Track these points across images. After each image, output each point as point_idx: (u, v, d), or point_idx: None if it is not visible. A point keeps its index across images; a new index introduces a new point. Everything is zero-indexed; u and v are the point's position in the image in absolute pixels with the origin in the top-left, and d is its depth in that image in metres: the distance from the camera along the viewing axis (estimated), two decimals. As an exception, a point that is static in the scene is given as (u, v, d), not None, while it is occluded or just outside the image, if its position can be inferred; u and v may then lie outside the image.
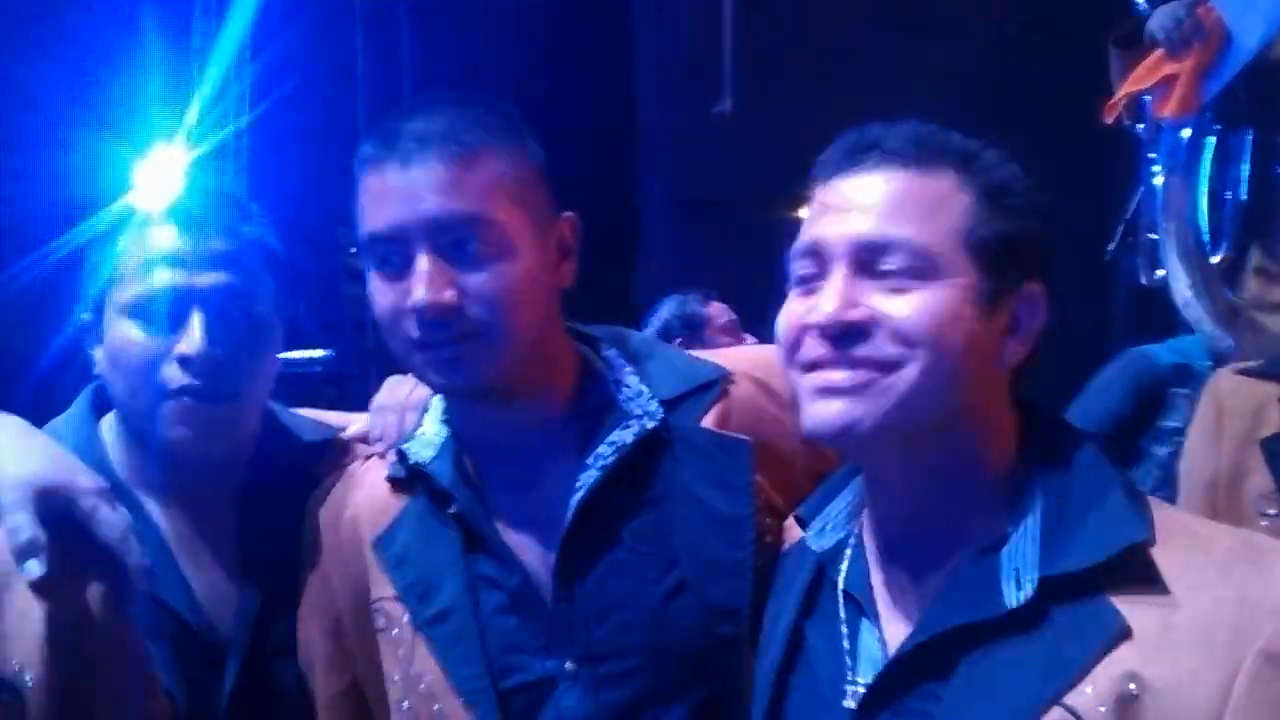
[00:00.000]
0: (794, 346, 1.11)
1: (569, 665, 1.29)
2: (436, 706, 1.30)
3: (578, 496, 1.31)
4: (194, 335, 1.39)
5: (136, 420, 1.45)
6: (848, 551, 1.18)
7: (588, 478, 1.32)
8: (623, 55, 6.02)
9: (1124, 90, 3.04)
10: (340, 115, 4.86)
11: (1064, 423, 1.19)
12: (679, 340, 3.38)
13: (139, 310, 1.42)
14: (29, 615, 1.10)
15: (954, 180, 1.10)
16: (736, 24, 5.77)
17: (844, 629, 1.15)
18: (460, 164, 1.26)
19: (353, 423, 1.57)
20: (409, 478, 1.39)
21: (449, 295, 1.25)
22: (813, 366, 1.09)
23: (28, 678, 1.07)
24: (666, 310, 3.66)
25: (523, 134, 1.36)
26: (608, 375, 1.39)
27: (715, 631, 1.30)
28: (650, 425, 1.34)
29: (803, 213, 1.18)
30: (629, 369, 1.40)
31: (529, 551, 1.33)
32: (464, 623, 1.31)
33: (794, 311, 1.12)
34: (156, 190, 3.95)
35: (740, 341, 3.49)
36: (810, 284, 1.11)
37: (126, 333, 1.41)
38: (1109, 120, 3.12)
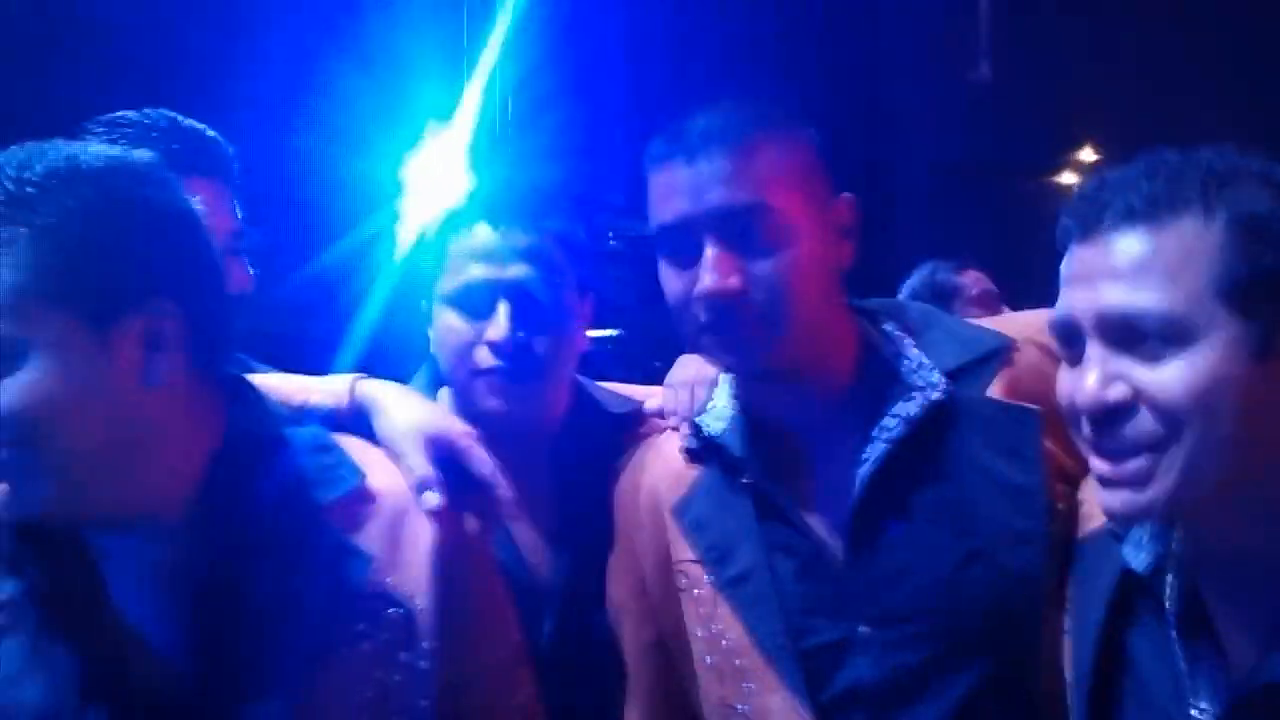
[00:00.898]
0: (1074, 423, 1.10)
1: (862, 629, 1.34)
2: (739, 662, 1.37)
3: (866, 469, 1.36)
4: (500, 323, 1.57)
5: (459, 393, 1.64)
6: (1169, 572, 1.14)
7: (874, 450, 1.36)
8: (878, 24, 5.95)
9: None
10: (607, 102, 5.05)
11: None
12: None
13: (456, 300, 1.61)
14: (418, 546, 1.25)
15: (1198, 222, 1.02)
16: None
17: (1178, 649, 1.11)
18: (741, 156, 1.34)
19: (650, 397, 1.68)
20: (702, 449, 1.47)
21: (735, 282, 1.32)
22: (1093, 449, 1.08)
23: (417, 600, 1.22)
24: (916, 279, 3.52)
25: (799, 122, 1.42)
26: (888, 349, 1.43)
27: (1008, 600, 1.31)
28: (935, 397, 1.37)
29: (1063, 178, 1.17)
30: (909, 341, 1.44)
31: (820, 520, 1.39)
32: (762, 585, 1.38)
33: (1063, 388, 1.10)
34: (446, 179, 4.26)
35: (997, 313, 3.36)
36: (1074, 356, 1.09)
37: (447, 320, 1.61)
38: None
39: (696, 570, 1.43)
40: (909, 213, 5.63)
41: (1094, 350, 1.04)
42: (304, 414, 1.32)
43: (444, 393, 1.69)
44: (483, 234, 1.62)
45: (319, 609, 1.15)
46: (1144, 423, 1.02)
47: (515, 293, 1.59)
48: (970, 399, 1.38)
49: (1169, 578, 1.14)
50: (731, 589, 1.39)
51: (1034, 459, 1.33)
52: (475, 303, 1.59)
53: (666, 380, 1.63)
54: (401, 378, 1.61)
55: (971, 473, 1.35)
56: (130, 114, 1.70)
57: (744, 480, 1.42)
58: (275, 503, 1.16)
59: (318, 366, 1.55)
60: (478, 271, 1.60)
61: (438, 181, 4.24)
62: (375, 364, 1.58)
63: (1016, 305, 2.92)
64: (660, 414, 1.61)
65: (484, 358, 1.58)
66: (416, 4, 4.55)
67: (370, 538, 1.21)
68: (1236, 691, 1.06)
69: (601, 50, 5.38)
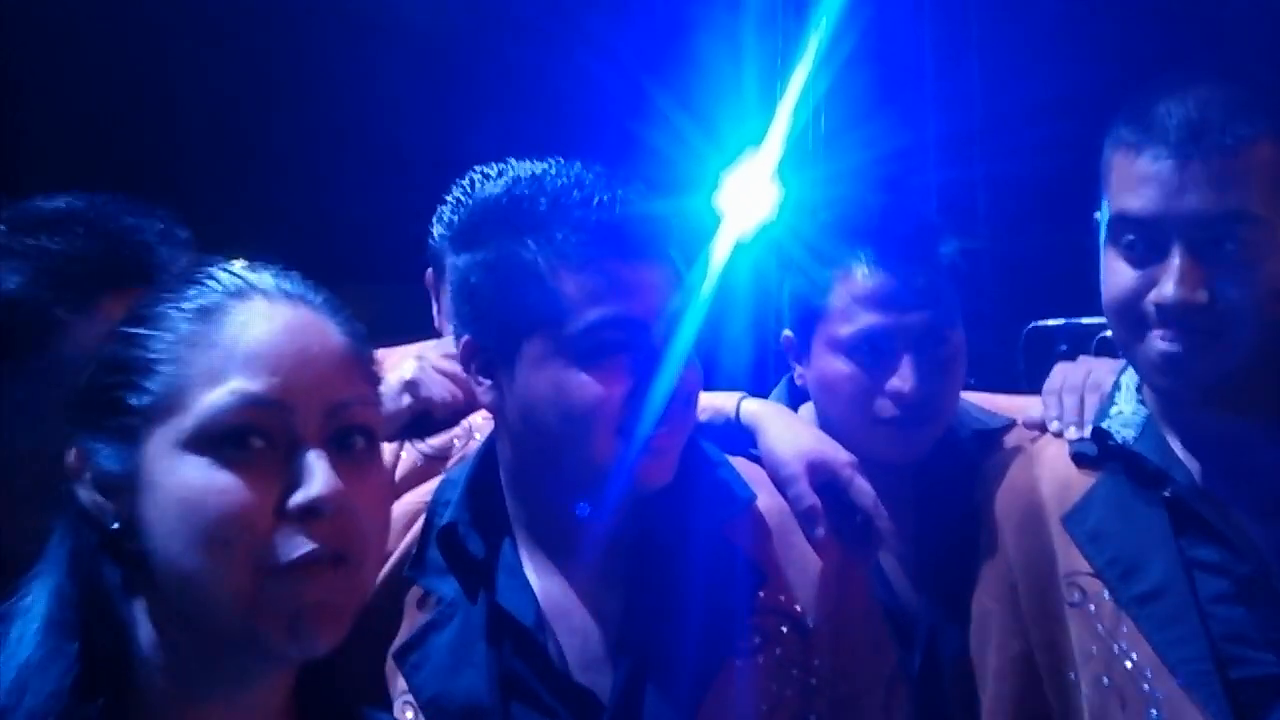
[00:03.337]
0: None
1: None
2: (1147, 687, 1.31)
3: None
4: (905, 374, 1.55)
5: (849, 437, 1.58)
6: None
7: None
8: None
9: None
10: (912, 115, 4.98)
11: None
12: None
13: (853, 348, 1.59)
14: (806, 567, 1.29)
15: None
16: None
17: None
18: (1230, 158, 1.24)
19: (1025, 408, 1.64)
20: (1102, 456, 1.41)
21: (1201, 295, 1.25)
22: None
23: (809, 621, 1.25)
24: None
25: None
26: None
27: None
28: None
29: None
30: None
31: (1255, 538, 1.32)
32: (1181, 604, 1.30)
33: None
34: (761, 201, 4.32)
35: None
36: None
37: (839, 367, 1.60)
38: None
39: (1093, 583, 1.37)
40: None
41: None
42: (696, 426, 1.39)
43: (806, 409, 1.71)
44: (878, 278, 1.58)
45: (719, 618, 1.21)
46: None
47: (919, 341, 1.56)
48: None
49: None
50: (1139, 607, 1.32)
51: None
52: (876, 352, 1.57)
53: (1046, 388, 1.58)
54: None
55: None
56: None
57: (1164, 493, 1.34)
58: (677, 509, 1.24)
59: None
60: (876, 320, 1.57)
61: (753, 203, 4.31)
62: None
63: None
64: (1041, 425, 1.56)
65: (885, 407, 1.57)
66: (731, 26, 4.64)
67: (761, 555, 1.26)
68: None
69: (912, 61, 5.30)
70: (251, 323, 0.91)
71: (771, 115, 4.78)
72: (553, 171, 1.27)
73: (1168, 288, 1.26)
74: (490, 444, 1.32)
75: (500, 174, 1.31)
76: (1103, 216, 1.33)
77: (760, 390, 1.76)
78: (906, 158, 4.95)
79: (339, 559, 0.89)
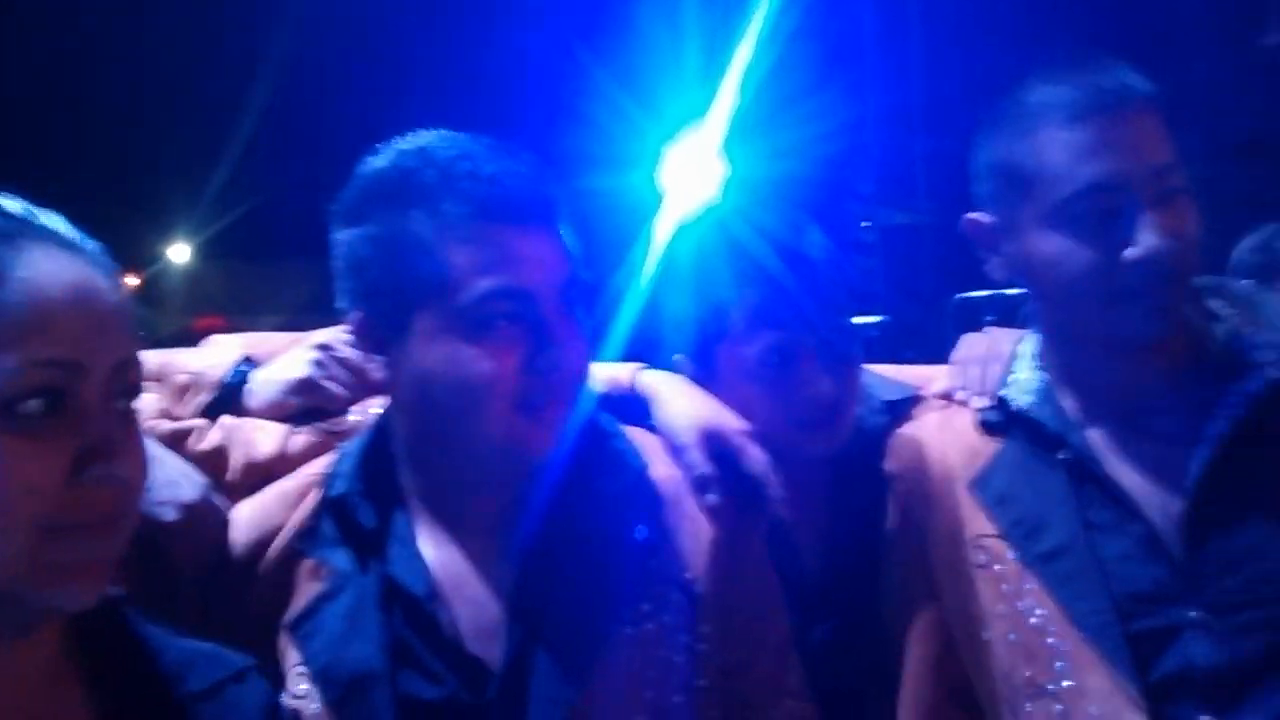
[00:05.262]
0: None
1: (1195, 614, 1.27)
2: (1050, 640, 1.33)
3: (1207, 450, 1.29)
4: (822, 383, 1.50)
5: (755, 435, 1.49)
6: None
7: (1216, 429, 1.29)
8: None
9: None
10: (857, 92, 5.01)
11: None
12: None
13: (756, 368, 1.51)
14: (697, 535, 1.28)
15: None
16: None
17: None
18: (1151, 113, 1.31)
19: (931, 379, 1.64)
20: (1005, 423, 1.43)
21: (1176, 241, 1.27)
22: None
23: (697, 586, 1.25)
24: (1251, 244, 3.16)
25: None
26: (1220, 325, 1.37)
27: None
28: (1276, 375, 1.29)
29: None
30: (1240, 317, 1.38)
31: (1149, 499, 1.33)
32: (1081, 561, 1.33)
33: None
34: (702, 176, 4.33)
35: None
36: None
37: (746, 388, 1.51)
38: None
39: (998, 545, 1.38)
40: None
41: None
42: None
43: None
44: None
45: (611, 588, 1.22)
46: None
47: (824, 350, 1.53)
48: None
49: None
50: (1043, 565, 1.34)
51: None
52: (783, 363, 1.54)
53: (953, 358, 1.59)
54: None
55: None
56: None
57: (1060, 455, 1.38)
58: (569, 480, 1.24)
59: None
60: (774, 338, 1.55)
61: (694, 177, 4.31)
62: (639, 357, 1.61)
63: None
64: (948, 395, 1.57)
65: (803, 411, 1.53)
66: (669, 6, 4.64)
67: (653, 524, 1.26)
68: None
69: (853, 38, 5.33)
70: (37, 275, 0.86)
71: (714, 90, 4.79)
72: (440, 142, 1.24)
73: (1148, 240, 1.27)
74: (387, 416, 1.31)
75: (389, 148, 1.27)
76: (1024, 208, 1.33)
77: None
78: (849, 134, 4.98)
79: (112, 520, 0.91)
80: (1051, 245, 1.32)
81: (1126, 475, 1.35)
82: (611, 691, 1.20)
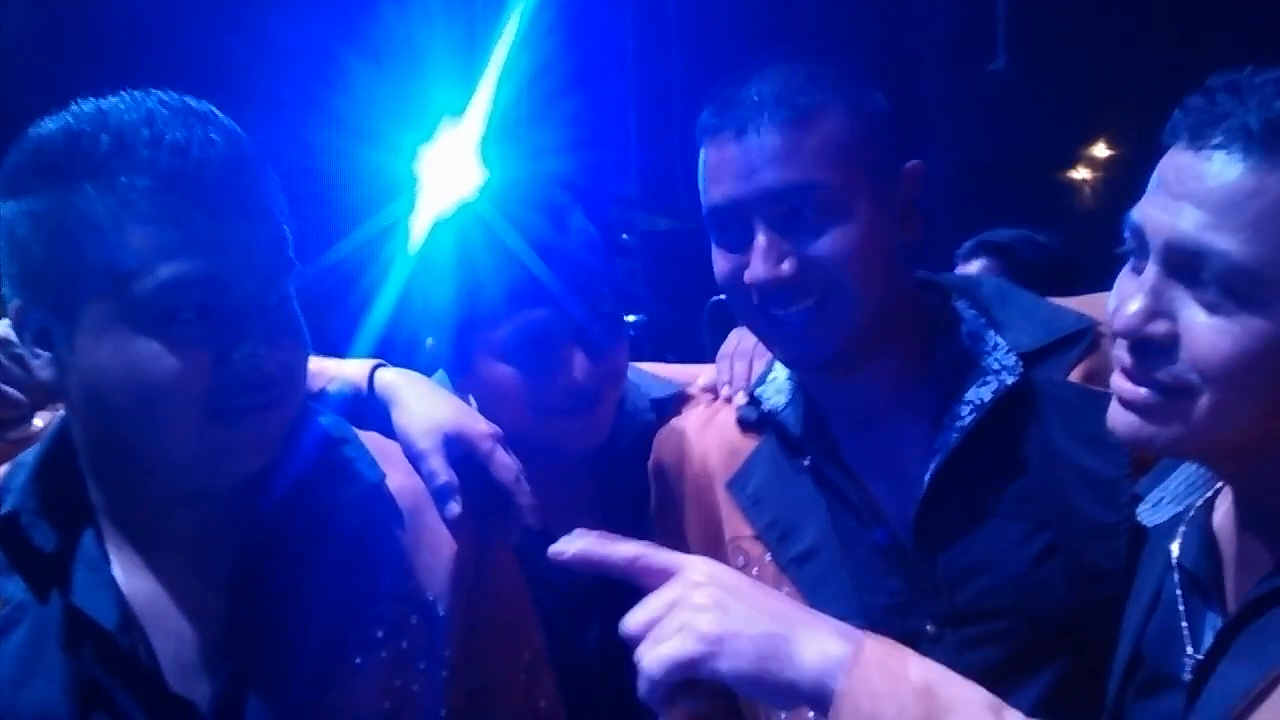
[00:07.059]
0: (1115, 335, 1.02)
1: (930, 628, 1.27)
2: None
3: (936, 461, 1.28)
4: (579, 369, 1.42)
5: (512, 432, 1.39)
6: (1182, 528, 1.09)
7: (945, 440, 1.28)
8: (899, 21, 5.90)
9: None
10: (619, 95, 5.01)
11: None
12: None
13: (511, 352, 1.43)
14: (439, 550, 1.17)
15: None
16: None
17: (1180, 606, 1.06)
18: (795, 129, 1.24)
19: (698, 375, 1.60)
20: (760, 421, 1.40)
21: (786, 268, 1.24)
22: (1120, 363, 1.01)
23: (440, 608, 1.15)
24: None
25: (861, 84, 1.30)
26: (961, 329, 1.35)
27: (1088, 595, 1.24)
28: (1010, 381, 1.28)
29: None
30: (983, 321, 1.36)
31: (887, 508, 1.31)
32: (831, 563, 1.30)
33: (1113, 298, 1.02)
34: (459, 173, 4.21)
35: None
36: (1136, 264, 1.00)
37: (502, 374, 1.44)
38: None
39: (755, 546, 1.36)
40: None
41: (1149, 276, 0.96)
42: (321, 399, 1.25)
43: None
44: (522, 277, 1.46)
45: (339, 613, 1.09)
46: (1172, 370, 0.95)
47: (586, 334, 1.49)
48: (1049, 383, 1.29)
49: (1182, 528, 1.10)
50: (797, 568, 1.32)
51: (1117, 448, 1.22)
52: (539, 352, 1.48)
53: (720, 353, 1.55)
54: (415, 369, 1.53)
55: (1049, 463, 1.26)
56: None
57: (804, 462, 1.35)
58: (289, 494, 1.10)
59: (333, 357, 1.47)
60: (537, 316, 1.49)
61: (451, 175, 4.22)
62: (389, 356, 1.51)
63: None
64: (713, 390, 1.53)
65: (557, 402, 1.47)
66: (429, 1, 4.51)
67: (388, 540, 1.15)
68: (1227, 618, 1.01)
69: (614, 43, 5.34)
70: None
71: (472, 89, 4.70)
72: (121, 105, 1.06)
73: (755, 267, 1.26)
74: (66, 421, 1.13)
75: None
76: (703, 212, 1.32)
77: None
78: (608, 138, 4.98)
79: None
80: (714, 255, 1.32)
81: (868, 482, 1.34)
82: None
